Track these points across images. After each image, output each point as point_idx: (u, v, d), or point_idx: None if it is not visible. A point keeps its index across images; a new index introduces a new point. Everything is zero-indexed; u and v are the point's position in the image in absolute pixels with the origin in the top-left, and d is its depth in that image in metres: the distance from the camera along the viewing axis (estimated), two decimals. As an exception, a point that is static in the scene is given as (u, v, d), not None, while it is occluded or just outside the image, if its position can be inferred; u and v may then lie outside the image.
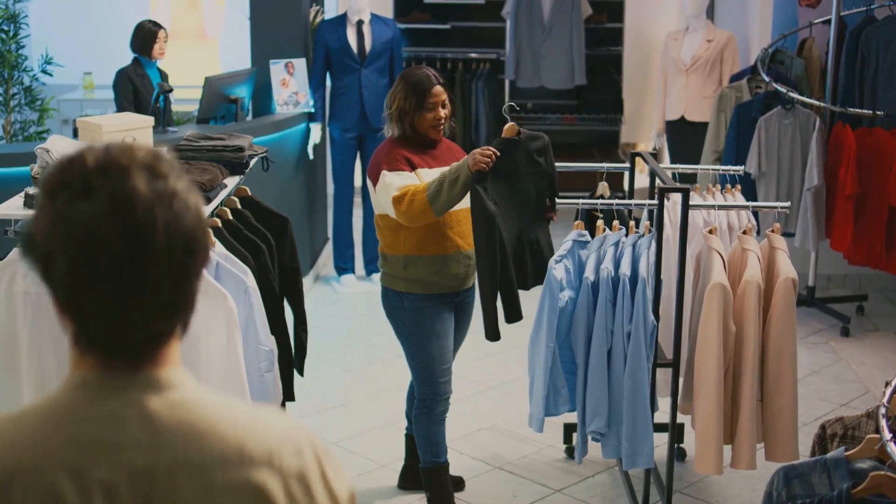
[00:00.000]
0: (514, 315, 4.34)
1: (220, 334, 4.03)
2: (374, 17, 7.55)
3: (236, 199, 4.79)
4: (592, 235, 4.34)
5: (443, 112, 4.36)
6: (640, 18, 10.26)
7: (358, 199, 7.96)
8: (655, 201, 4.16)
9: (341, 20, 7.52)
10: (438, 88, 4.33)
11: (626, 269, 4.09)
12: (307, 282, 7.42)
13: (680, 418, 4.64)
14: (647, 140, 10.19)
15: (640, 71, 10.28)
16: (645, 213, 4.48)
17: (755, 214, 4.86)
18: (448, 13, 10.12)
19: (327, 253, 8.37)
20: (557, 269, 4.13)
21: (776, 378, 4.14)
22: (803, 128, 6.76)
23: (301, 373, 4.97)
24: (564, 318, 4.18)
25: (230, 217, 4.63)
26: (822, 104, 6.80)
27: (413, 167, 4.32)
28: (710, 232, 4.26)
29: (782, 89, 6.69)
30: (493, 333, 4.31)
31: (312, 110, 7.54)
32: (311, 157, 7.68)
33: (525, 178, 4.30)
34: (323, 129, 7.78)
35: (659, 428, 4.50)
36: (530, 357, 4.32)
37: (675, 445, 4.68)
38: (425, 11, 10.09)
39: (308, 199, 7.75)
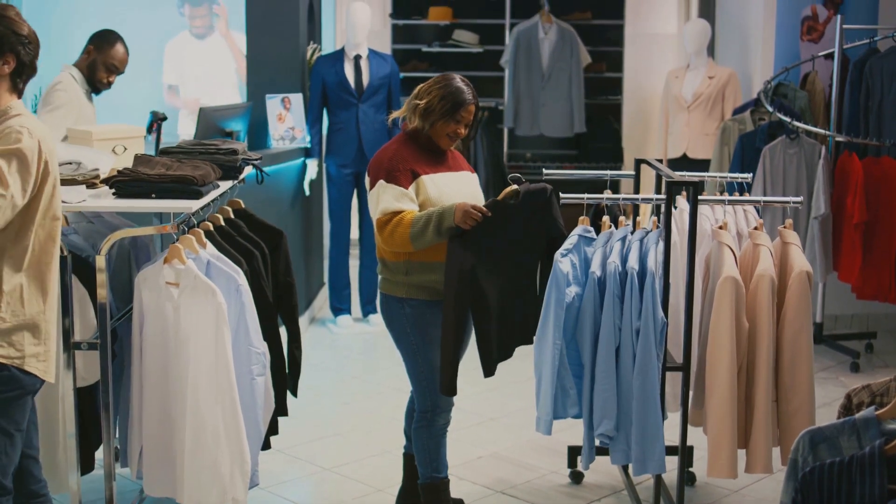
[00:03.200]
0: (488, 370, 4.24)
1: (209, 330, 3.88)
2: (372, 53, 7.47)
3: (229, 209, 4.66)
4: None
5: (463, 130, 4.24)
6: (640, 68, 10.22)
7: (355, 238, 7.81)
8: (663, 196, 4.02)
9: (339, 55, 7.45)
10: (472, 108, 4.22)
11: (633, 263, 3.93)
12: (302, 323, 7.23)
13: (689, 440, 4.44)
14: (647, 186, 10.07)
15: (639, 120, 10.21)
16: (651, 210, 4.34)
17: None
18: (446, 62, 10.07)
19: (323, 297, 8.21)
20: (563, 263, 3.97)
21: (792, 377, 3.96)
22: (808, 157, 6.66)
23: (294, 393, 4.80)
24: (571, 315, 4.01)
25: (222, 223, 4.49)
26: (828, 132, 6.69)
27: (416, 176, 4.16)
28: (720, 228, 4.11)
29: (786, 119, 6.59)
30: (448, 389, 4.14)
31: (309, 146, 7.42)
32: (308, 193, 7.56)
33: (522, 231, 4.16)
34: (319, 166, 7.65)
35: (669, 451, 4.30)
36: (536, 356, 4.15)
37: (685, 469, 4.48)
38: (423, 60, 10.05)
39: (304, 238, 7.60)
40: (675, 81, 8.03)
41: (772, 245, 4.09)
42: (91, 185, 4.19)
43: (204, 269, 4.01)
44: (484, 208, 4.01)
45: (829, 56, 7.04)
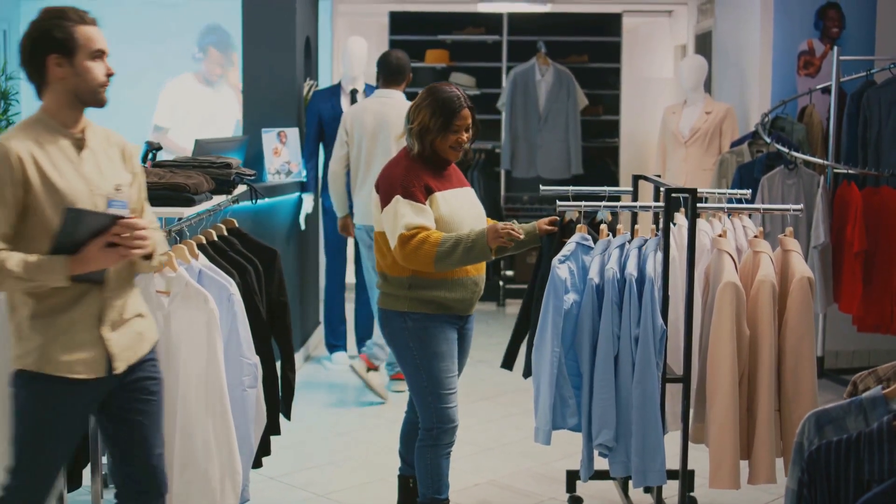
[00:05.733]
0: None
1: (200, 337, 3.80)
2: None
3: (223, 227, 4.60)
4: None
5: (465, 136, 4.17)
6: (637, 111, 10.21)
7: (350, 272, 7.73)
8: (661, 204, 3.97)
9: (335, 90, 7.42)
10: (466, 112, 4.14)
11: (632, 269, 3.87)
12: (298, 361, 7.15)
13: (690, 463, 4.35)
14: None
15: (636, 163, 10.20)
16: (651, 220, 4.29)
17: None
18: (443, 105, 10.05)
19: (318, 335, 8.12)
20: (561, 269, 3.91)
21: (795, 385, 3.88)
22: (807, 188, 6.62)
23: (287, 415, 4.70)
24: (569, 323, 3.93)
25: (215, 239, 4.43)
26: (826, 162, 6.67)
27: (430, 191, 4.09)
28: (720, 236, 4.06)
29: (784, 150, 6.57)
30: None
31: (305, 180, 7.38)
32: (303, 227, 7.50)
33: None
34: (315, 200, 7.61)
35: (669, 475, 4.21)
36: (534, 365, 4.07)
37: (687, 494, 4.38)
38: (420, 103, 10.04)
39: (300, 274, 7.53)
40: (672, 117, 8.02)
41: (772, 253, 4.03)
42: (83, 196, 4.14)
43: (195, 278, 3.94)
44: (516, 229, 3.99)
45: (827, 90, 7.03)
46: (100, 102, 3.22)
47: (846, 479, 2.39)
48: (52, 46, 3.15)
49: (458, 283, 4.13)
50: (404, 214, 4.02)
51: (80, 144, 3.22)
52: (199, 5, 10.04)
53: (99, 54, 3.21)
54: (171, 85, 10.18)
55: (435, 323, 4.14)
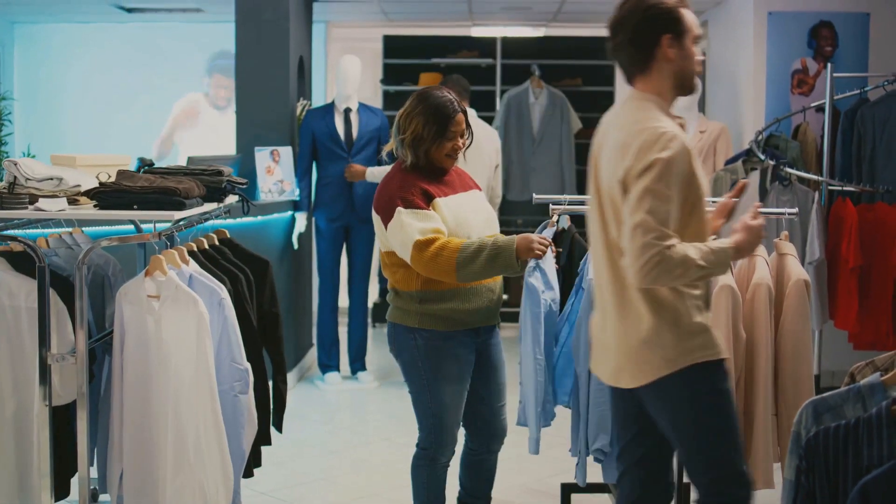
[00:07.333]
0: None
1: (190, 340, 3.76)
2: (362, 106, 7.44)
3: (214, 237, 4.58)
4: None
5: (461, 142, 3.99)
6: (630, 134, 10.17)
7: (343, 294, 7.69)
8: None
9: (329, 108, 7.41)
10: (461, 116, 3.96)
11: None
12: (290, 381, 7.10)
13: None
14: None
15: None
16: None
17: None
18: (437, 128, 10.04)
19: (312, 357, 8.06)
20: (534, 278, 3.89)
21: (793, 388, 3.84)
22: (801, 204, 6.59)
23: (279, 427, 4.65)
24: (551, 319, 3.92)
25: (206, 248, 4.40)
26: (821, 178, 6.65)
27: (430, 198, 3.89)
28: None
29: (779, 162, 6.55)
30: None
31: (298, 198, 7.35)
32: (296, 246, 7.46)
33: None
34: (308, 219, 7.58)
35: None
36: (522, 375, 4.08)
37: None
38: (415, 126, 10.03)
39: (293, 294, 7.49)
40: (666, 136, 7.99)
41: (768, 257, 4.01)
42: (73, 202, 4.12)
43: (186, 282, 3.90)
44: (547, 239, 3.84)
45: (820, 108, 7.02)
46: (693, 89, 3.16)
47: (845, 465, 2.35)
48: (668, 26, 3.08)
49: (472, 292, 3.95)
50: (411, 223, 3.81)
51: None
52: (206, 30, 10.11)
53: (697, 40, 3.14)
54: (180, 104, 10.29)
55: (448, 343, 3.96)
